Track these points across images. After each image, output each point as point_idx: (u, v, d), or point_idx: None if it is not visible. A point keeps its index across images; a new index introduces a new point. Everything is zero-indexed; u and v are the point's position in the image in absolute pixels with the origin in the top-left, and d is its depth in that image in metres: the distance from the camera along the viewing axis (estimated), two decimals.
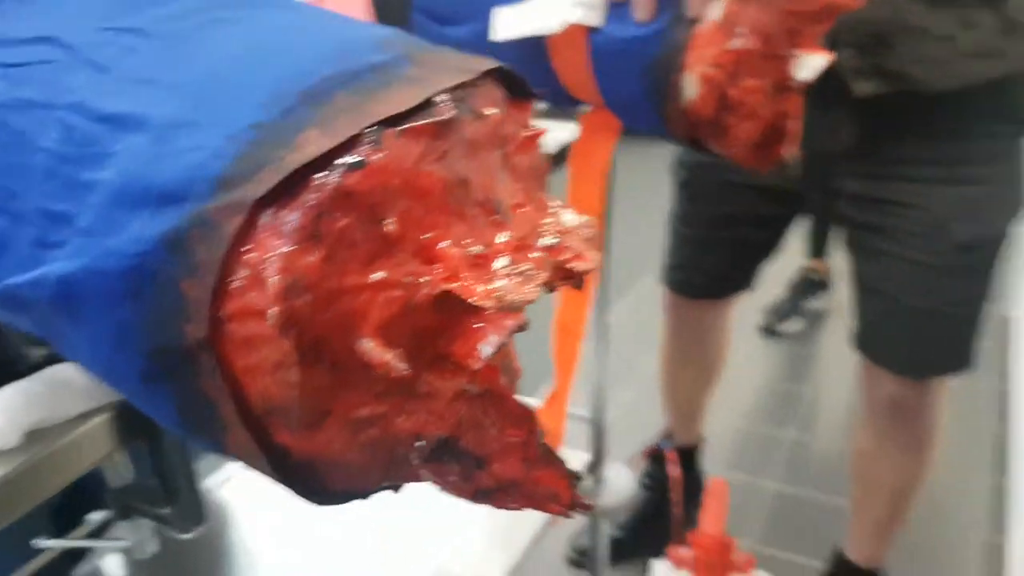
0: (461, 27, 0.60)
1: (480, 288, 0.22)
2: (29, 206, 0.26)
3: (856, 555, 1.07)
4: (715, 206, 1.02)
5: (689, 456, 1.33)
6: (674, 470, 1.17)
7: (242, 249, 0.21)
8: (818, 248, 2.08)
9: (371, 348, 0.22)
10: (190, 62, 0.26)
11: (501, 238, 0.24)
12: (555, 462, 0.26)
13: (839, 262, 2.11)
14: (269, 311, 0.21)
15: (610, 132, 0.62)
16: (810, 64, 0.51)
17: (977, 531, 1.37)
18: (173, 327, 0.22)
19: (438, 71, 0.24)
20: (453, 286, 0.22)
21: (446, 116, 0.23)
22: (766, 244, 1.06)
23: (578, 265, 0.24)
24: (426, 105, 0.23)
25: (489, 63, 0.26)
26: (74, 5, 0.30)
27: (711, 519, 0.99)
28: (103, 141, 0.25)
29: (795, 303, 2.08)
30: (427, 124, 0.22)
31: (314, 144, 0.21)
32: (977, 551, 1.34)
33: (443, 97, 0.23)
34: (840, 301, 2.18)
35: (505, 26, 0.56)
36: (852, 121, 0.78)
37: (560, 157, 0.82)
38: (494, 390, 0.25)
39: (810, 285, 2.11)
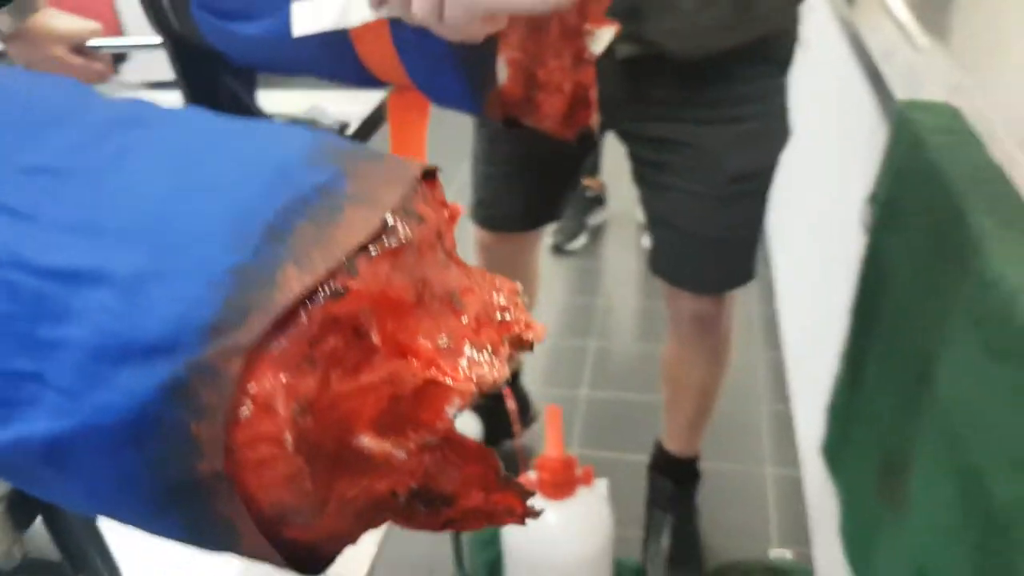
0: (252, 23, 0.58)
1: (461, 373, 0.25)
2: None
3: (674, 447, 1.23)
4: (514, 145, 1.05)
5: (514, 379, 1.41)
6: (511, 404, 1.25)
7: (245, 385, 0.22)
8: (592, 167, 2.23)
9: (369, 443, 0.25)
10: (123, 203, 0.25)
11: (463, 322, 0.26)
12: (511, 484, 0.29)
13: (610, 177, 2.30)
14: (285, 437, 0.23)
15: (422, 109, 0.64)
16: (602, 37, 0.56)
17: (763, 402, 1.61)
18: (184, 465, 0.23)
19: (377, 184, 0.26)
20: (436, 376, 0.24)
21: (402, 234, 0.24)
22: (566, 176, 1.13)
23: (529, 335, 0.27)
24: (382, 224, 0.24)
25: (417, 167, 0.27)
26: None
27: (553, 443, 1.08)
28: (57, 297, 0.24)
29: (579, 221, 2.22)
30: (392, 247, 0.24)
31: (296, 281, 0.22)
32: (765, 418, 1.57)
33: (394, 216, 0.25)
34: (614, 214, 2.37)
35: (303, 22, 0.55)
36: (626, 74, 0.85)
37: (364, 131, 0.83)
38: (452, 437, 0.27)
39: (589, 202, 2.26)
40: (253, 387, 0.22)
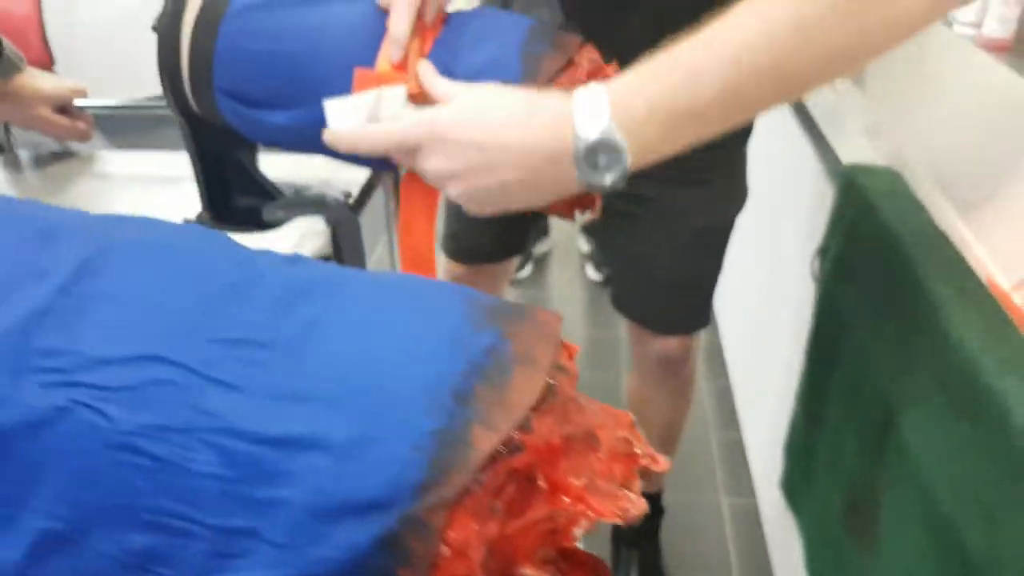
0: (279, 112, 0.60)
1: (609, 510, 0.28)
2: (196, 524, 0.27)
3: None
4: None
5: None
6: None
7: (446, 534, 0.26)
8: None
9: (531, 573, 0.28)
10: (324, 373, 0.28)
11: (600, 459, 0.30)
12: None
13: None
14: None
15: (433, 191, 0.66)
16: None
17: (712, 430, 1.67)
18: None
19: (533, 343, 0.29)
20: (590, 512, 0.28)
21: (562, 394, 0.28)
22: (535, 212, 1.17)
23: (655, 466, 0.31)
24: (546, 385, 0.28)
25: (557, 322, 0.31)
26: (153, 317, 0.29)
27: None
28: (272, 462, 0.26)
29: (527, 251, 2.27)
30: (562, 402, 0.27)
31: (485, 441, 0.26)
32: (716, 447, 1.63)
33: (552, 376, 0.28)
34: (557, 242, 2.43)
35: (337, 118, 0.57)
36: None
37: (362, 198, 0.85)
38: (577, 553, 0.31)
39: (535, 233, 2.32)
40: (451, 536, 0.26)
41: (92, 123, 0.94)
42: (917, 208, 0.80)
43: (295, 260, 0.33)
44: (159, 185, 0.91)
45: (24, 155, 0.99)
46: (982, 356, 0.59)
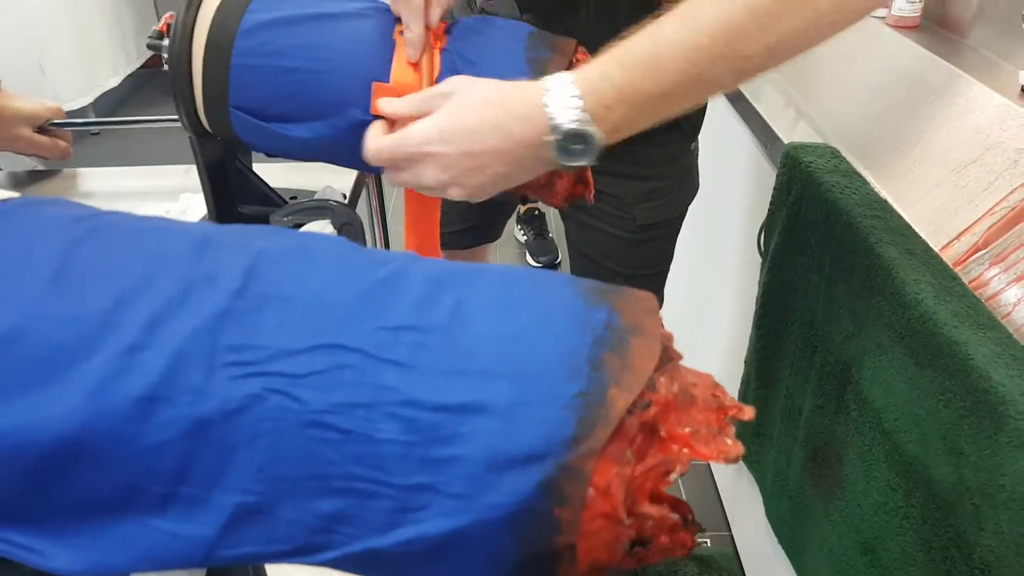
0: (300, 126, 0.62)
1: (713, 453, 0.33)
2: (381, 485, 0.30)
3: None
4: None
5: None
6: None
7: (593, 478, 0.31)
8: None
9: (656, 511, 0.33)
10: (478, 350, 0.32)
11: (700, 411, 0.34)
12: (690, 525, 0.37)
13: None
14: (621, 517, 0.31)
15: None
16: None
17: None
18: (545, 541, 0.31)
19: (640, 315, 0.33)
20: (699, 456, 0.32)
21: (672, 358, 0.32)
22: (508, 204, 1.21)
23: (741, 414, 0.35)
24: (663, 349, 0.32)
25: (651, 297, 0.35)
26: (322, 312, 0.32)
27: None
28: (448, 426, 0.30)
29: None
30: (672, 365, 0.31)
31: (621, 400, 0.31)
32: None
33: (664, 341, 0.32)
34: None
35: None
36: None
37: (352, 201, 0.87)
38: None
39: None
40: (597, 479, 0.30)
41: (71, 141, 0.93)
42: (859, 180, 0.87)
43: (417, 257, 0.36)
44: (143, 200, 0.91)
45: (1, 176, 0.96)
46: (937, 310, 0.66)
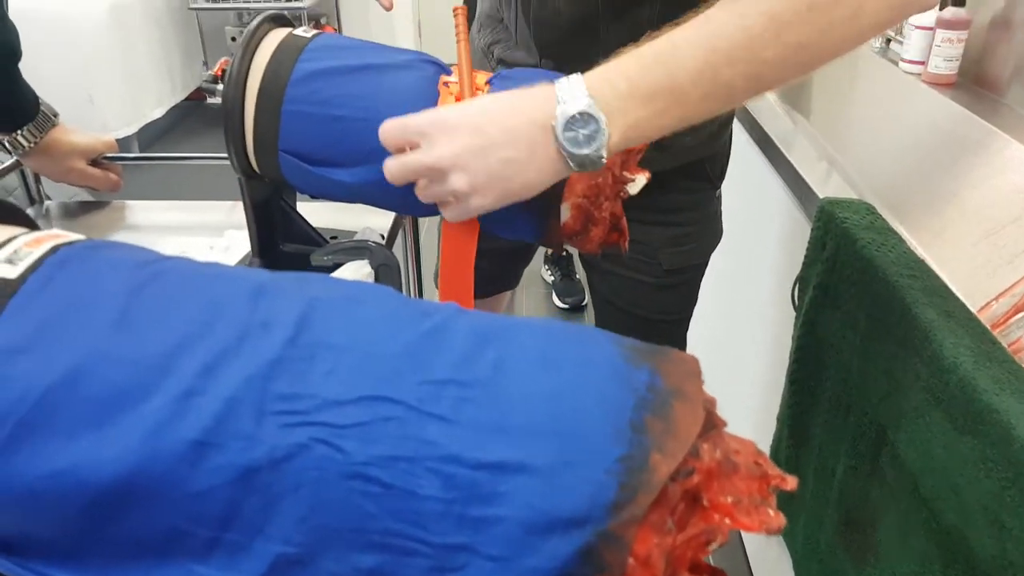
0: (344, 170, 0.64)
1: (755, 524, 0.32)
2: (420, 543, 0.30)
3: None
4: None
5: None
6: None
7: (634, 547, 0.30)
8: None
9: None
10: (521, 406, 0.32)
11: (741, 478, 0.33)
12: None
13: None
14: None
15: (472, 231, 0.70)
16: (638, 182, 0.66)
17: None
18: None
19: (682, 378, 0.33)
20: (739, 527, 0.32)
21: (715, 424, 0.32)
22: (526, 252, 1.22)
23: (784, 484, 0.34)
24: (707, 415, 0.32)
25: (694, 360, 0.35)
26: (370, 363, 0.32)
27: None
28: (488, 484, 0.30)
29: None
30: (715, 433, 0.31)
31: (664, 465, 0.30)
32: None
33: (708, 407, 0.32)
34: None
35: None
36: None
37: (389, 242, 0.88)
38: None
39: None
40: (638, 549, 0.30)
41: (121, 174, 0.96)
42: (895, 238, 0.87)
43: (461, 310, 0.36)
44: (189, 234, 0.94)
45: (53, 206, 0.99)
46: (977, 375, 0.65)
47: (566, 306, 2.32)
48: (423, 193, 0.61)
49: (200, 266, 0.37)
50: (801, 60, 0.57)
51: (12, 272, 0.32)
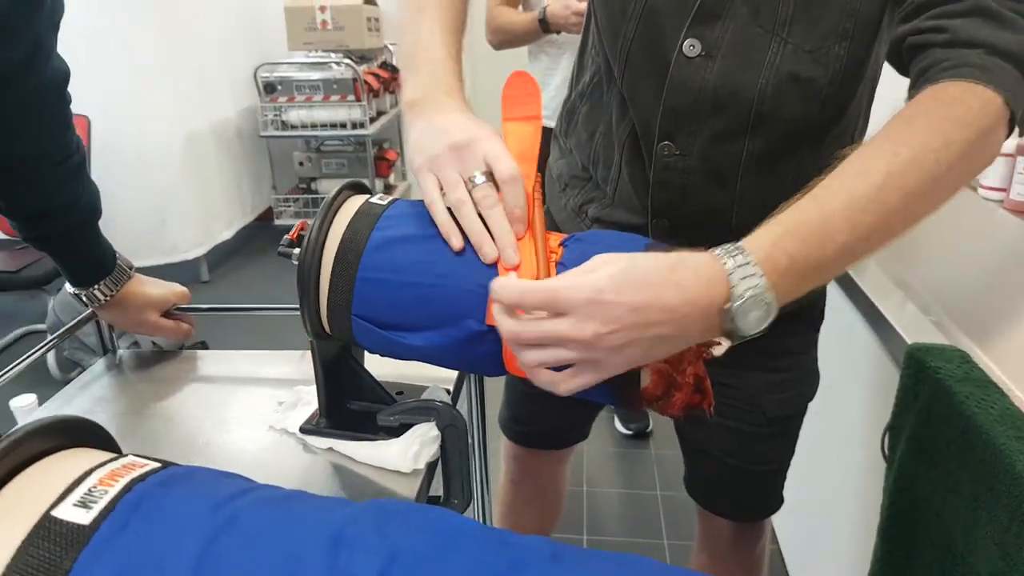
0: (415, 335, 0.64)
1: None
2: None
3: None
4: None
5: None
6: None
7: None
8: None
9: None
10: None
11: None
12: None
13: None
14: None
15: None
16: (724, 344, 0.63)
17: None
18: None
19: None
20: None
21: None
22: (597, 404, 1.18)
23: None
24: None
25: None
26: None
27: None
28: None
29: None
30: None
31: None
32: None
33: None
34: None
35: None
36: None
37: (455, 396, 0.87)
38: None
39: None
40: None
41: (194, 323, 0.97)
42: (996, 392, 0.81)
43: (553, 554, 0.34)
44: (258, 385, 0.93)
45: (126, 355, 1.01)
46: None
47: (629, 432, 2.25)
48: (535, 357, 0.57)
49: (276, 503, 0.35)
50: (920, 219, 0.60)
51: (85, 518, 0.30)
